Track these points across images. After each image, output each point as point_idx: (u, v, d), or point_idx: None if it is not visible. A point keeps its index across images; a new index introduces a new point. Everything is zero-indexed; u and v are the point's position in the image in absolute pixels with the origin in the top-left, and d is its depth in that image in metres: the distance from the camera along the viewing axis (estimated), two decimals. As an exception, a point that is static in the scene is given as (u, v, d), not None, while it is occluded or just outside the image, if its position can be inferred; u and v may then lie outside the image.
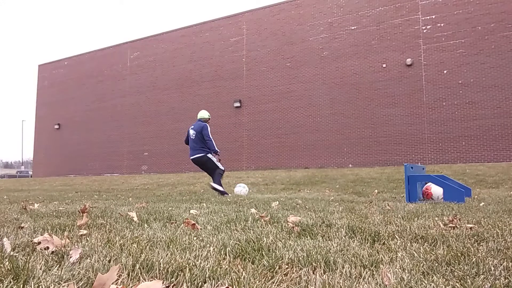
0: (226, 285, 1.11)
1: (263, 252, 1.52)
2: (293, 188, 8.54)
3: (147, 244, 1.69)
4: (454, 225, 2.21)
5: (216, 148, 6.71)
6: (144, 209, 3.42)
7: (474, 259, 1.39)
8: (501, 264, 1.32)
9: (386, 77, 15.44)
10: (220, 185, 6.62)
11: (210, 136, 6.70)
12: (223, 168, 6.82)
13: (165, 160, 20.45)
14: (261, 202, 4.23)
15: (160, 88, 21.26)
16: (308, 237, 1.89)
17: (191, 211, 3.12)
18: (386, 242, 1.77)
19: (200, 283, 1.14)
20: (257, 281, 1.15)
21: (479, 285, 1.11)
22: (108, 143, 22.77)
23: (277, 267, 1.32)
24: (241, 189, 6.98)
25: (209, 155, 6.65)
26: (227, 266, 1.31)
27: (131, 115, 21.87)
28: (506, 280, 1.15)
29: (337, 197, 5.47)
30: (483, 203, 3.82)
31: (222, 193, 6.47)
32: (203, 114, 7.04)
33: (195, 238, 1.85)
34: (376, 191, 6.57)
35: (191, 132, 6.77)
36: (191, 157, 6.71)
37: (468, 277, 1.19)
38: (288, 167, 16.61)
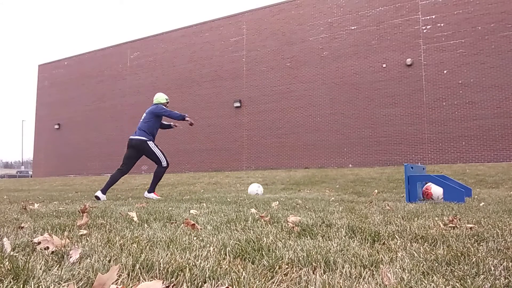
0: (226, 285, 1.11)
1: (263, 252, 1.52)
2: (293, 188, 8.53)
3: (147, 244, 1.69)
4: (454, 225, 2.21)
5: (181, 113, 5.98)
6: (144, 209, 3.42)
7: (474, 259, 1.39)
8: (501, 264, 1.32)
9: (386, 77, 15.44)
10: (153, 190, 5.84)
11: (168, 110, 5.93)
12: (165, 163, 5.79)
13: (165, 160, 20.44)
14: (261, 202, 4.23)
15: (160, 88, 21.24)
16: (308, 237, 1.89)
17: (191, 211, 3.12)
18: (386, 242, 1.77)
19: (200, 283, 1.14)
20: (257, 281, 1.15)
21: (479, 285, 1.11)
22: (108, 143, 22.76)
23: (277, 267, 1.32)
24: (255, 188, 6.59)
25: (150, 143, 5.77)
26: (227, 266, 1.31)
27: (131, 115, 21.85)
28: (506, 280, 1.15)
29: (337, 197, 5.46)
30: (483, 203, 3.82)
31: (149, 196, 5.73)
32: (158, 97, 6.22)
33: (195, 238, 1.85)
34: (376, 191, 6.57)
35: (144, 115, 6.13)
36: (130, 137, 5.93)
37: (468, 277, 1.19)
38: (288, 167, 16.61)
